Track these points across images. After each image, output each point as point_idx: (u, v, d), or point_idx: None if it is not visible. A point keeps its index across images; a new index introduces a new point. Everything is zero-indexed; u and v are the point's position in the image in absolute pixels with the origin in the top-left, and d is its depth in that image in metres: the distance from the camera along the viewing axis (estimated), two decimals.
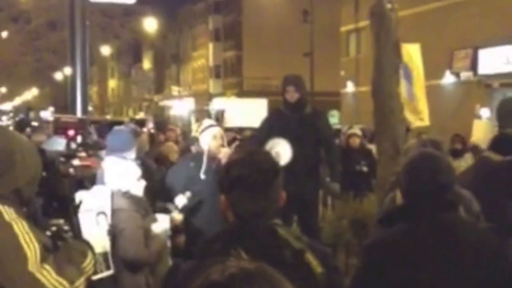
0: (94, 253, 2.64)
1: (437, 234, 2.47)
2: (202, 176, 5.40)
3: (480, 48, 21.72)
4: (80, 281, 2.46)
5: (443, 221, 2.51)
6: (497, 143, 4.10)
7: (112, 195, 3.95)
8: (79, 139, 2.85)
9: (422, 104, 7.87)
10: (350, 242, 7.24)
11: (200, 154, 5.56)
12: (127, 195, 4.10)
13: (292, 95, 6.31)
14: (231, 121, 24.36)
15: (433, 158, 2.64)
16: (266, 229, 1.98)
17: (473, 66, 22.35)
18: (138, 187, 4.18)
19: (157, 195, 5.32)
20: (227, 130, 18.73)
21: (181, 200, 5.13)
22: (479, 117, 10.11)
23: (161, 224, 4.33)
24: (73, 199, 2.70)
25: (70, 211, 2.70)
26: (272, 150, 5.42)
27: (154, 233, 4.19)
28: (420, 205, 2.51)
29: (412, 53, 7.41)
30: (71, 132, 2.77)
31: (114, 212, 3.95)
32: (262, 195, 1.99)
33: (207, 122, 6.01)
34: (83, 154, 2.81)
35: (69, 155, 2.77)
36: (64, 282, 2.37)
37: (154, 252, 4.11)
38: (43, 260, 2.36)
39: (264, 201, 2.00)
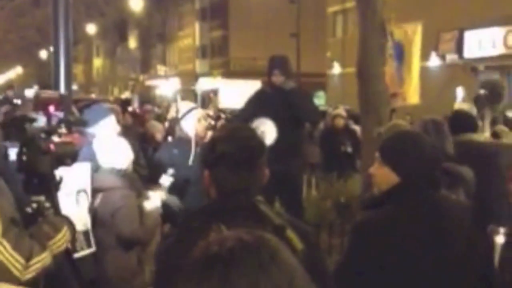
0: (73, 230, 2.63)
1: (425, 213, 2.50)
2: (191, 163, 5.24)
3: (466, 30, 21.77)
4: (40, 257, 2.44)
5: (432, 200, 2.52)
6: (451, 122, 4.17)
7: (100, 173, 3.95)
8: (60, 115, 2.81)
9: (410, 84, 7.89)
10: (333, 223, 7.28)
11: (182, 139, 5.36)
12: (121, 173, 4.10)
13: (278, 78, 6.30)
14: (225, 101, 24.24)
15: (418, 137, 2.65)
16: (248, 205, 1.98)
17: (459, 49, 22.42)
18: (128, 162, 4.18)
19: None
20: (220, 110, 18.69)
21: (165, 179, 5.03)
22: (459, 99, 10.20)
23: (153, 201, 4.34)
24: (53, 176, 2.68)
25: (51, 187, 2.68)
26: (257, 129, 5.39)
27: (147, 210, 4.21)
28: (409, 184, 2.52)
29: (410, 32, 7.43)
30: (51, 108, 2.73)
31: (108, 190, 3.96)
32: (246, 171, 2.01)
33: (185, 105, 5.76)
34: (64, 130, 2.78)
35: (50, 131, 2.74)
36: (19, 258, 2.37)
37: (149, 229, 4.14)
38: (3, 234, 2.35)
39: (248, 177, 2.01)
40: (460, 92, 9.08)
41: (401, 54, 7.73)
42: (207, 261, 1.16)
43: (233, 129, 2.13)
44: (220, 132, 2.18)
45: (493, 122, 5.84)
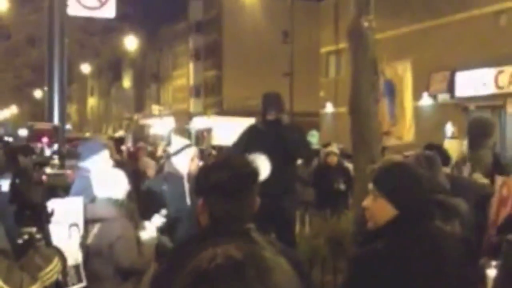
0: (64, 261, 2.62)
1: (423, 245, 2.49)
2: (188, 201, 5.16)
3: (457, 70, 22.05)
4: None
5: (429, 232, 2.52)
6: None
7: (97, 203, 3.96)
8: (54, 147, 2.82)
9: (404, 122, 7.95)
10: (326, 259, 7.23)
11: (172, 175, 5.29)
12: (118, 203, 4.11)
13: (273, 115, 6.34)
14: (218, 139, 24.34)
15: (413, 168, 2.67)
16: (240, 231, 2.00)
17: (450, 89, 22.67)
18: (124, 193, 4.19)
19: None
20: (213, 148, 18.74)
21: (158, 219, 4.95)
22: (449, 136, 10.31)
23: (150, 231, 4.33)
24: (45, 207, 2.68)
25: (43, 219, 2.68)
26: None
27: (144, 240, 4.20)
28: (407, 216, 2.50)
29: (400, 70, 7.52)
30: (45, 140, 2.74)
31: (106, 220, 3.95)
32: (239, 199, 2.05)
33: (180, 141, 5.67)
34: (57, 162, 2.79)
35: (43, 162, 2.75)
36: None
37: (146, 259, 4.13)
38: None
39: (241, 205, 2.05)
40: (449, 128, 9.17)
41: (392, 92, 7.82)
42: (196, 277, 1.17)
43: (227, 158, 2.18)
44: (213, 161, 2.22)
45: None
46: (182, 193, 5.20)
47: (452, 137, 9.38)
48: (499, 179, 4.31)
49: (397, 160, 2.87)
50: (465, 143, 5.17)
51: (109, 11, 6.80)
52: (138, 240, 4.14)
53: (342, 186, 9.15)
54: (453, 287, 2.46)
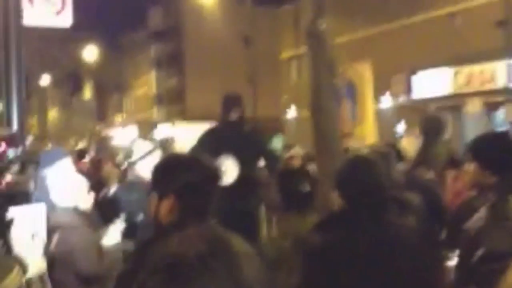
0: (25, 270, 2.59)
1: (375, 236, 2.56)
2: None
3: (415, 72, 22.43)
4: None
5: (381, 224, 2.59)
6: None
7: (57, 211, 3.91)
8: (12, 153, 2.80)
9: (366, 123, 8.08)
10: (292, 261, 7.28)
11: (138, 183, 5.12)
12: (77, 210, 4.06)
13: (234, 115, 6.30)
14: (183, 145, 24.22)
15: (367, 161, 2.73)
16: (206, 226, 2.05)
17: (409, 90, 23.06)
18: (87, 201, 4.14)
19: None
20: None
21: (116, 228, 4.57)
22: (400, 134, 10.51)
23: (112, 237, 4.28)
24: (4, 216, 2.65)
25: (3, 227, 2.65)
26: (220, 166, 5.33)
27: (106, 246, 4.16)
28: (357, 207, 2.58)
29: (361, 71, 7.65)
30: (2, 147, 2.72)
31: (63, 228, 3.90)
32: (208, 196, 2.17)
33: (143, 147, 5.45)
34: (16, 169, 2.77)
35: (1, 170, 2.72)
36: None
37: (108, 266, 4.08)
38: None
39: (208, 201, 2.17)
40: (401, 127, 9.34)
41: (353, 93, 7.94)
42: (164, 270, 1.20)
43: (195, 158, 2.25)
44: (178, 160, 2.27)
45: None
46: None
47: (407, 135, 9.55)
48: (451, 173, 4.45)
49: (354, 155, 2.95)
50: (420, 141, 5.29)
51: (65, 20, 6.73)
52: (99, 246, 4.10)
53: (307, 188, 9.20)
54: (408, 275, 2.53)
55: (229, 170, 5.75)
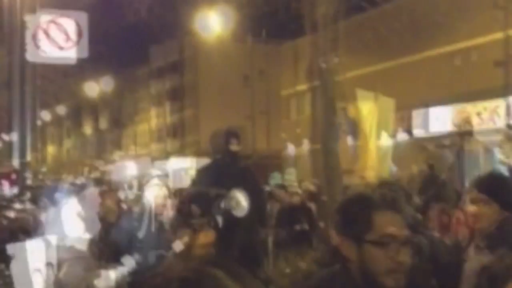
0: None
1: None
2: (153, 229, 5.13)
3: (414, 109, 22.56)
4: None
5: None
6: None
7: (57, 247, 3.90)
8: (15, 190, 2.81)
9: (366, 161, 8.06)
10: None
11: (143, 214, 5.27)
12: (71, 249, 4.04)
13: (236, 147, 6.34)
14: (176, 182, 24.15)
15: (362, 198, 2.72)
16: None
17: (409, 128, 23.15)
18: (82, 241, 4.12)
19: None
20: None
21: (128, 261, 4.75)
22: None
23: (105, 280, 4.23)
24: (4, 249, 2.65)
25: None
26: (232, 200, 5.28)
27: None
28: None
29: (363, 108, 7.65)
30: (5, 183, 2.73)
31: (72, 260, 3.89)
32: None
33: (153, 172, 5.66)
34: (18, 206, 2.77)
35: (3, 206, 2.73)
36: None
37: None
38: None
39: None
40: (393, 167, 9.34)
41: (355, 131, 7.94)
42: None
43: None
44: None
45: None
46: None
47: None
48: (436, 207, 4.47)
49: (355, 192, 2.94)
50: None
51: (74, 55, 6.80)
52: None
53: (306, 226, 9.16)
54: None
55: (241, 203, 5.71)
